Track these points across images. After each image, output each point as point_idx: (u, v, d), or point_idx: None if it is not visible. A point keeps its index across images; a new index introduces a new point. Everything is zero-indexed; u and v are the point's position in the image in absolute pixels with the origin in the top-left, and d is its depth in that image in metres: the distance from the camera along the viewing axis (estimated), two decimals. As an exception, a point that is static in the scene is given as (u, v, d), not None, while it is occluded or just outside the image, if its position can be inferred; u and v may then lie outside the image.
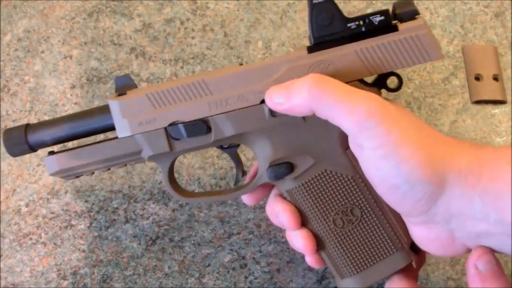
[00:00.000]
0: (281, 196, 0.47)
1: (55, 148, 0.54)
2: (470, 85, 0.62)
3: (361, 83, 0.44)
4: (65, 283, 0.56)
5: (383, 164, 0.40)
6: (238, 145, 0.48)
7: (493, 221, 0.38)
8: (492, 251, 0.40)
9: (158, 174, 0.59)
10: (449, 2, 0.64)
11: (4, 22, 0.65)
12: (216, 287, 0.56)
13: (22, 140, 0.47)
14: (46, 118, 0.61)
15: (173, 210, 0.58)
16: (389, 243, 0.45)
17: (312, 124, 0.44)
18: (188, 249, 0.57)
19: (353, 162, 0.44)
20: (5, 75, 0.63)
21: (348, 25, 0.44)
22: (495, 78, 0.62)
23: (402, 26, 0.43)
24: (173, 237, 0.57)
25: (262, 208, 0.58)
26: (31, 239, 0.57)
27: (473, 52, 0.62)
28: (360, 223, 0.45)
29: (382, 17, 0.44)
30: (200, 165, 0.59)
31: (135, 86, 0.47)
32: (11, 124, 0.61)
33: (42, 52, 0.63)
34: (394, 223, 0.45)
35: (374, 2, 0.63)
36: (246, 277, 0.56)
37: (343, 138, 0.43)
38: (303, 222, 0.46)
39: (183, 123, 0.45)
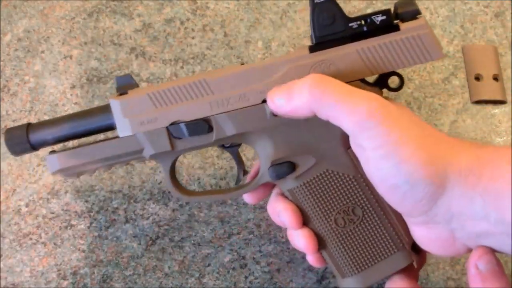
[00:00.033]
0: (283, 195, 0.47)
1: (56, 147, 0.54)
2: (470, 85, 0.62)
3: (362, 82, 0.44)
4: (65, 283, 0.56)
5: (383, 164, 0.40)
6: (239, 145, 0.48)
7: (494, 221, 0.38)
8: (492, 251, 0.40)
9: (158, 174, 0.59)
10: (449, 2, 0.65)
11: (4, 22, 0.65)
12: (216, 287, 0.56)
13: (23, 139, 0.47)
14: (46, 118, 0.61)
15: (173, 210, 0.58)
16: (390, 243, 0.45)
17: (313, 123, 0.44)
18: (188, 249, 0.57)
19: (355, 161, 0.44)
20: (5, 75, 0.63)
21: (350, 24, 0.44)
22: (495, 78, 0.62)
23: (403, 26, 0.43)
24: (173, 237, 0.57)
25: (262, 208, 0.58)
26: (31, 239, 0.57)
27: (473, 52, 0.62)
28: (362, 223, 0.45)
29: (384, 17, 0.43)
30: (200, 165, 0.59)
31: (136, 86, 0.47)
32: (11, 124, 0.61)
33: (42, 52, 0.63)
34: (396, 223, 0.45)
35: (374, 2, 0.63)
36: (246, 277, 0.56)
37: (345, 137, 0.43)
38: (305, 222, 0.46)
39: (184, 122, 0.45)
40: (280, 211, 0.46)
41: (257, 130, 0.45)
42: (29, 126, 0.48)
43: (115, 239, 0.57)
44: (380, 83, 0.45)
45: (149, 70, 0.62)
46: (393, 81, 0.45)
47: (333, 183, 0.45)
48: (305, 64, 0.44)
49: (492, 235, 0.39)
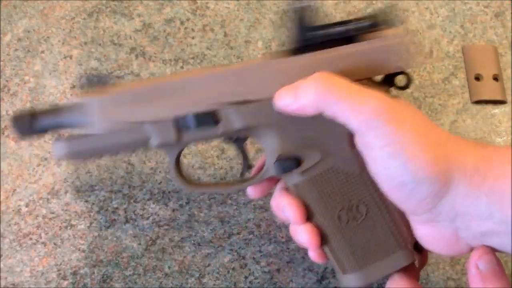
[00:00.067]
0: (287, 190, 0.47)
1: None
2: (470, 85, 0.62)
3: (369, 81, 0.45)
4: (65, 283, 0.56)
5: (390, 162, 0.40)
6: (246, 138, 0.49)
7: (498, 220, 0.38)
8: (493, 251, 0.40)
9: (158, 174, 0.59)
10: (449, 2, 0.65)
11: (4, 22, 0.65)
12: (216, 287, 0.56)
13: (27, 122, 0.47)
14: (46, 118, 0.61)
15: (173, 210, 0.58)
16: (393, 241, 0.45)
17: (320, 119, 0.44)
18: (188, 249, 0.57)
19: (360, 159, 0.44)
20: (5, 75, 0.63)
21: (330, 30, 0.45)
22: (495, 78, 0.62)
23: (384, 33, 0.45)
24: (173, 237, 0.57)
25: (262, 208, 0.58)
26: (31, 239, 0.57)
27: (473, 52, 0.63)
28: (365, 220, 0.45)
29: (364, 24, 0.44)
30: (200, 165, 0.59)
31: (112, 84, 0.47)
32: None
33: (42, 52, 0.63)
34: (399, 221, 0.45)
35: (374, 2, 0.63)
36: (246, 277, 0.56)
37: (351, 134, 0.43)
38: (308, 217, 0.46)
39: (192, 114, 0.45)
40: (284, 206, 0.46)
41: (264, 124, 0.45)
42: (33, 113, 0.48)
43: (115, 239, 0.57)
44: (387, 82, 0.46)
45: (149, 70, 0.62)
46: (400, 79, 0.46)
47: (338, 179, 0.45)
48: (286, 68, 0.44)
49: (497, 235, 0.39)
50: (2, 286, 0.56)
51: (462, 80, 0.62)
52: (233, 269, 0.56)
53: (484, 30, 0.63)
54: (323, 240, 0.46)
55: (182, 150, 0.48)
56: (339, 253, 0.46)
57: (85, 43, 0.63)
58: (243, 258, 0.56)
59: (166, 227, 0.57)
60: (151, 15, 0.64)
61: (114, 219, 0.58)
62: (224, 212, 0.58)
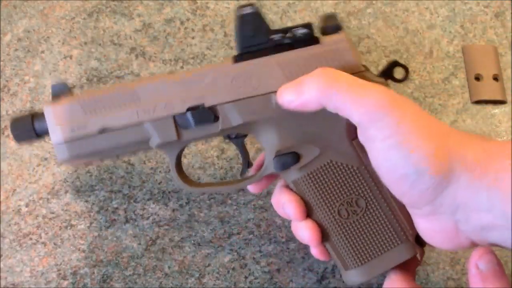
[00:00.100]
0: (287, 187, 0.47)
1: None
2: (470, 85, 0.62)
3: (367, 74, 0.45)
4: (65, 283, 0.56)
5: (392, 154, 0.40)
6: (245, 136, 0.49)
7: (498, 213, 0.38)
8: (493, 251, 0.40)
9: (158, 174, 0.59)
10: (449, 2, 0.65)
11: (4, 22, 0.65)
12: (216, 287, 0.56)
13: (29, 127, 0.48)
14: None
15: (173, 210, 0.58)
16: (394, 235, 0.45)
17: (318, 114, 0.44)
18: (188, 249, 0.57)
19: (359, 152, 0.44)
20: (5, 75, 0.63)
21: (272, 37, 0.45)
22: (495, 78, 0.62)
23: (324, 39, 0.45)
24: (173, 237, 0.57)
25: (262, 208, 0.58)
26: (31, 239, 0.57)
27: (473, 52, 0.63)
28: (365, 214, 0.45)
29: (305, 30, 0.45)
30: (200, 165, 0.59)
31: (71, 93, 0.48)
32: (11, 124, 0.61)
33: (42, 52, 0.63)
34: (399, 214, 0.45)
35: (374, 2, 0.63)
36: (246, 277, 0.56)
37: (350, 128, 0.44)
38: (309, 213, 0.46)
39: (191, 111, 0.46)
40: (285, 203, 0.46)
41: (263, 119, 0.45)
42: (34, 116, 0.49)
43: (115, 239, 0.57)
44: (386, 74, 0.46)
45: (149, 70, 0.62)
46: (399, 72, 0.46)
47: (337, 174, 0.45)
48: (227, 74, 0.45)
49: (496, 229, 0.39)
50: (2, 286, 0.56)
51: (462, 80, 0.62)
52: (233, 269, 0.56)
53: (484, 30, 0.63)
54: (324, 236, 0.46)
55: (182, 150, 0.48)
56: (340, 248, 0.46)
57: (85, 43, 0.63)
58: (243, 258, 0.56)
59: (166, 227, 0.57)
60: (151, 15, 0.64)
61: (114, 219, 0.58)
62: (224, 212, 0.58)
